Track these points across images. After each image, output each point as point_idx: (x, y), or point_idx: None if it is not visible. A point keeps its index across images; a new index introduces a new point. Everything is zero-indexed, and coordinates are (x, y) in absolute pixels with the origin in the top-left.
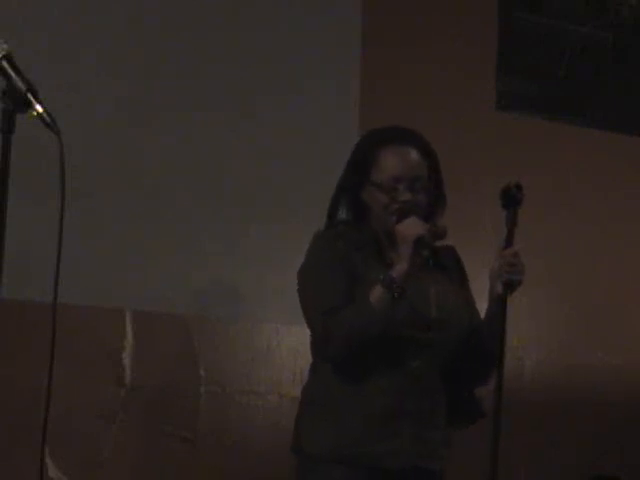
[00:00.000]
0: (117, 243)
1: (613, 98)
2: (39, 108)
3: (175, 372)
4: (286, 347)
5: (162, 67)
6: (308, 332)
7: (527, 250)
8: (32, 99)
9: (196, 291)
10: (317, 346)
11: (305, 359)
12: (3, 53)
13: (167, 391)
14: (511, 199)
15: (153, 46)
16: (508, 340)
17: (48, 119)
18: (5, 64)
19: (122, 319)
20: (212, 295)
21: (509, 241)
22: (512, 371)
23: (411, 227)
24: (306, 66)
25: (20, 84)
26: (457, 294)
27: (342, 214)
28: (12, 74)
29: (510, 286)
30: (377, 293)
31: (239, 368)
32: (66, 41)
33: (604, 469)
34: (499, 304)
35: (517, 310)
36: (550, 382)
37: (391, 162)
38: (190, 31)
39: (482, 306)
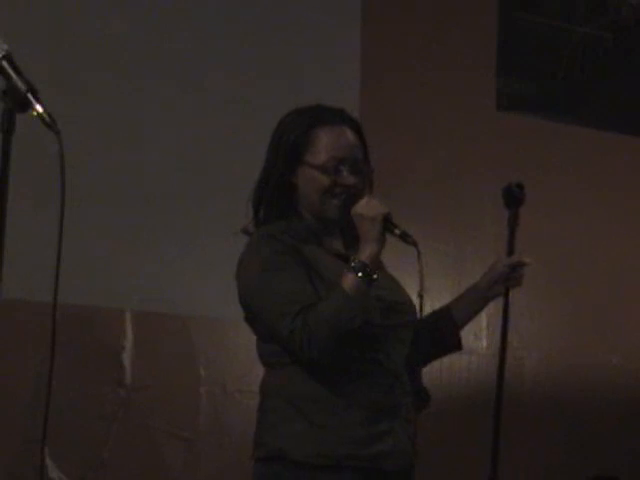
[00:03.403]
0: (117, 243)
1: (613, 98)
2: (39, 108)
3: (175, 372)
4: None
5: (162, 67)
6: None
7: (527, 250)
8: (32, 99)
9: (196, 291)
10: (296, 351)
11: None
12: (3, 53)
13: (167, 391)
14: (513, 198)
15: (153, 46)
16: (508, 341)
17: (48, 119)
18: (5, 64)
19: (122, 319)
20: (212, 295)
21: (511, 241)
22: (512, 371)
23: (371, 207)
24: (306, 67)
25: (20, 84)
26: (389, 275)
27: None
28: (12, 74)
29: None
30: (350, 281)
31: (239, 368)
32: (66, 41)
33: (604, 469)
34: (484, 299)
35: (517, 310)
36: (550, 382)
37: (331, 142)
38: (190, 31)
39: (489, 309)
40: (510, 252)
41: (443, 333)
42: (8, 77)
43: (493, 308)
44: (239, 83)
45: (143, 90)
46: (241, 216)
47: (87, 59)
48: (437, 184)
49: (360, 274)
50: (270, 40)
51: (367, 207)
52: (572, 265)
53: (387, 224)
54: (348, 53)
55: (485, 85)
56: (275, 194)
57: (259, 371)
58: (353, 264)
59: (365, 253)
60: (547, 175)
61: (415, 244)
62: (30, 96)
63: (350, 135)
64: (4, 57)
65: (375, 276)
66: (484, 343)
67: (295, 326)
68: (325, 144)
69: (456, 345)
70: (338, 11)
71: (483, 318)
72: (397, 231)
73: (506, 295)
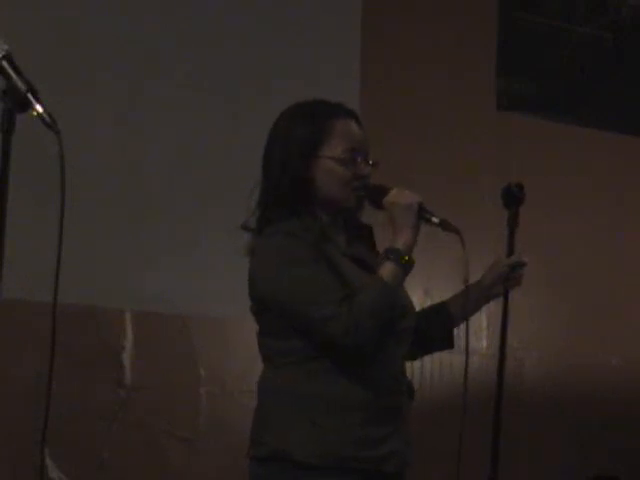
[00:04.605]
0: (117, 243)
1: (613, 98)
2: (39, 108)
3: (175, 372)
4: None
5: (162, 67)
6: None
7: (527, 250)
8: (32, 99)
9: (196, 291)
10: (335, 336)
11: None
12: (3, 53)
13: (167, 391)
14: (512, 198)
15: (153, 46)
16: (508, 341)
17: (48, 119)
18: (5, 64)
19: (122, 319)
20: (212, 295)
21: (511, 241)
22: (512, 371)
23: (405, 195)
24: (306, 67)
25: (20, 84)
26: None
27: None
28: (12, 74)
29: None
30: (389, 270)
31: (239, 368)
32: (66, 41)
33: (604, 469)
34: (484, 298)
35: (517, 310)
36: (550, 382)
37: (344, 133)
38: (190, 31)
39: (489, 309)
40: (510, 252)
41: (437, 329)
42: (8, 77)
43: (493, 308)
44: (239, 83)
45: (143, 90)
46: (241, 216)
47: (88, 59)
48: (437, 184)
49: (401, 262)
50: (270, 40)
51: (401, 196)
52: (572, 265)
53: (422, 213)
54: (348, 53)
55: (485, 85)
56: (289, 190)
57: (259, 371)
58: (390, 254)
59: (401, 241)
60: (547, 175)
61: (457, 231)
62: (30, 96)
63: (356, 126)
64: (4, 57)
65: (410, 265)
66: (484, 343)
67: (340, 312)
68: (340, 135)
69: (448, 343)
70: (338, 11)
71: (483, 318)
72: (435, 219)
73: (505, 295)
